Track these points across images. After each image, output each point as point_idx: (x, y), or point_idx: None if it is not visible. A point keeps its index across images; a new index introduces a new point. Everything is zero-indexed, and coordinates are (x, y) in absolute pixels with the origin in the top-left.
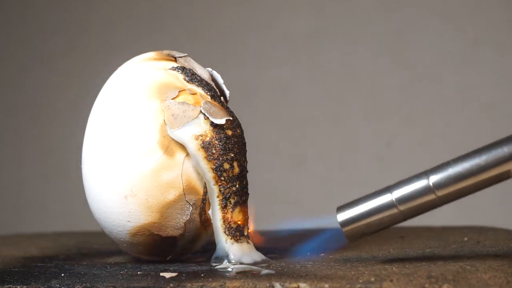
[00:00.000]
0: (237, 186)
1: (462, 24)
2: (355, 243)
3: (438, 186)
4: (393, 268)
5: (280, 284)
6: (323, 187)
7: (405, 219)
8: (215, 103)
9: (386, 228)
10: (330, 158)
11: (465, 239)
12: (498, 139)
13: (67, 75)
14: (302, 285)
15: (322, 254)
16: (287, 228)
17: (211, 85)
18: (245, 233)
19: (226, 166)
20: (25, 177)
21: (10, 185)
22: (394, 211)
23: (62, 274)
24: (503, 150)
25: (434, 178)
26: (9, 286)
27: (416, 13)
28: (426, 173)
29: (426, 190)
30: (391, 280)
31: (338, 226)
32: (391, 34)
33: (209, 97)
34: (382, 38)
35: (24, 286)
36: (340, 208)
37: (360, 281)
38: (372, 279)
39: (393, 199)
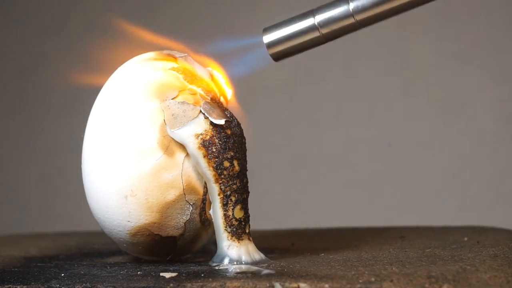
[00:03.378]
0: (237, 184)
1: (462, 24)
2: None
3: (357, 10)
4: (393, 268)
5: (280, 284)
6: (323, 187)
7: (326, 41)
8: (215, 103)
9: (309, 49)
10: (330, 158)
11: (465, 239)
12: None
13: (67, 74)
14: (302, 285)
15: (322, 254)
16: (214, 49)
17: (211, 85)
18: (247, 231)
19: (226, 164)
20: (25, 177)
21: (10, 185)
22: (316, 34)
23: (62, 274)
24: None
25: (354, 4)
26: (9, 286)
27: (416, 13)
28: None
29: (346, 14)
30: (391, 280)
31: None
32: (391, 34)
33: (209, 97)
34: (382, 38)
35: (24, 286)
36: (266, 30)
37: (360, 281)
38: (372, 279)
39: (316, 23)
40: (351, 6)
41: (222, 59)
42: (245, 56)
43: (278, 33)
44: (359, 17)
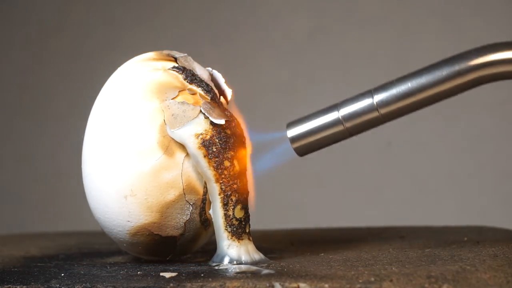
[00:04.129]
0: (238, 183)
1: (462, 24)
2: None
3: (381, 104)
4: (393, 268)
5: (280, 284)
6: (323, 187)
7: (351, 136)
8: (215, 103)
9: (333, 144)
10: (330, 158)
11: (465, 239)
12: (440, 60)
13: (67, 75)
14: (302, 285)
15: (322, 254)
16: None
17: (210, 85)
18: (247, 231)
19: (227, 164)
20: (25, 177)
21: (10, 185)
22: (340, 127)
23: (62, 274)
24: (442, 72)
25: (378, 97)
26: (9, 286)
27: (416, 13)
28: (370, 92)
29: (370, 108)
30: (391, 280)
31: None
32: (391, 34)
33: (208, 97)
34: (382, 38)
35: (24, 286)
36: (290, 124)
37: (360, 281)
38: (372, 279)
39: (340, 117)
40: (375, 100)
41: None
42: (270, 151)
43: (302, 127)
44: (384, 110)
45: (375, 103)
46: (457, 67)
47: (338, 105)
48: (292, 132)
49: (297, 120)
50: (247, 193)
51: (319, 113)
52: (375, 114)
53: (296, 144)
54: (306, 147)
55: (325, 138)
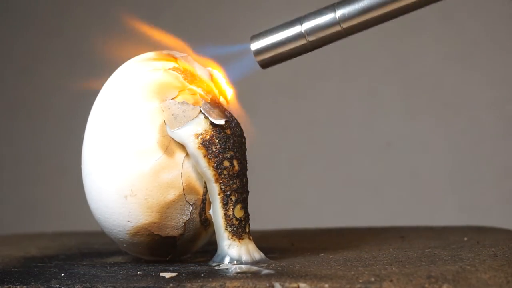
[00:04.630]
0: (237, 183)
1: (462, 24)
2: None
3: (344, 18)
4: (393, 268)
5: (280, 284)
6: (323, 187)
7: (313, 49)
8: (215, 103)
9: (295, 57)
10: (330, 158)
11: (465, 239)
12: None
13: (67, 75)
14: (302, 285)
15: (322, 254)
16: (203, 54)
17: (210, 85)
18: (247, 230)
19: (226, 164)
20: (25, 177)
21: (10, 185)
22: (303, 41)
23: (62, 274)
24: None
25: (340, 11)
26: (9, 286)
27: (416, 13)
28: (333, 5)
29: (333, 22)
30: (391, 280)
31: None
32: (391, 34)
33: (208, 97)
34: (382, 38)
35: (24, 286)
36: (254, 37)
37: (360, 281)
38: (372, 279)
39: (302, 30)
40: (338, 14)
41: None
42: (233, 62)
43: (265, 40)
44: (345, 25)
45: (337, 17)
46: None
47: (301, 19)
48: (256, 45)
49: (261, 33)
50: (247, 193)
51: (283, 26)
52: (337, 28)
53: (260, 57)
54: (269, 60)
55: (288, 52)
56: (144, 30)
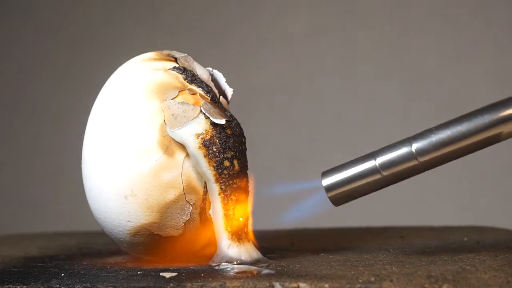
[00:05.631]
0: (237, 183)
1: (462, 24)
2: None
3: (421, 152)
4: (393, 268)
5: (280, 284)
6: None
7: (388, 185)
8: (215, 103)
9: (370, 193)
10: (330, 158)
11: (465, 239)
12: (480, 107)
13: (67, 75)
14: (302, 285)
15: (322, 254)
16: (272, 193)
17: (211, 85)
18: (246, 230)
19: (227, 163)
20: (25, 177)
21: (10, 185)
22: (377, 176)
23: (62, 274)
24: (484, 118)
25: (416, 145)
26: (9, 286)
27: (416, 13)
28: (409, 140)
29: (409, 156)
30: (391, 280)
31: (323, 191)
32: (391, 34)
33: (209, 97)
34: (382, 38)
35: (24, 286)
36: (325, 173)
37: (360, 281)
38: (372, 279)
39: (377, 165)
40: (414, 148)
41: (282, 203)
42: (304, 200)
43: (337, 176)
44: (423, 159)
45: (413, 151)
46: (498, 114)
47: (375, 154)
48: (327, 181)
49: (332, 168)
50: (247, 192)
51: (355, 161)
52: (414, 163)
53: (332, 193)
54: (342, 196)
55: (362, 187)
56: None
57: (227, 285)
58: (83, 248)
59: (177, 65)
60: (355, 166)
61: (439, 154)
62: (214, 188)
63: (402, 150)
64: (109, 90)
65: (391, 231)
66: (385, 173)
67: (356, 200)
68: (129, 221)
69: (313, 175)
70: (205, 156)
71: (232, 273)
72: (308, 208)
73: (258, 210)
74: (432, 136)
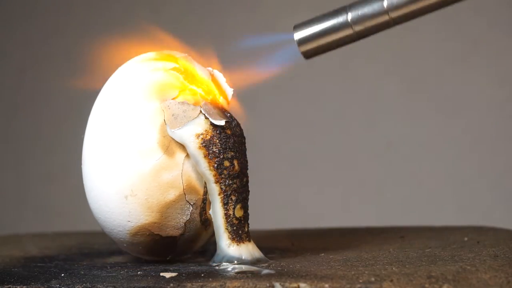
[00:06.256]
0: (237, 183)
1: (462, 24)
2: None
3: (392, 7)
4: (393, 268)
5: (280, 284)
6: (323, 187)
7: (359, 39)
8: (215, 103)
9: (340, 46)
10: (330, 158)
11: (465, 239)
12: None
13: (67, 75)
14: (302, 285)
15: (322, 254)
16: (244, 45)
17: (211, 86)
18: (246, 230)
19: (227, 164)
20: (25, 177)
21: (10, 185)
22: (349, 31)
23: (62, 274)
24: None
25: (388, 0)
26: (9, 286)
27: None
28: None
29: (380, 11)
30: (391, 280)
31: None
32: (391, 34)
33: (209, 97)
34: (382, 38)
35: (24, 286)
36: (297, 27)
37: (360, 281)
38: (372, 279)
39: (349, 19)
40: (386, 3)
41: (251, 56)
42: (275, 53)
43: (309, 30)
44: (394, 14)
45: (385, 6)
46: None
47: (347, 8)
48: (299, 34)
49: (304, 22)
50: (247, 192)
51: (327, 15)
52: (385, 18)
53: (303, 48)
54: (313, 50)
55: (333, 42)
56: (159, 35)
57: (227, 285)
58: (83, 248)
59: (177, 65)
60: (328, 20)
61: (410, 9)
62: (214, 188)
63: (375, 5)
64: (109, 90)
65: (391, 231)
66: (356, 28)
67: (356, 200)
68: (129, 221)
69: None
70: (205, 156)
71: (232, 273)
72: (278, 60)
73: (258, 210)
74: None
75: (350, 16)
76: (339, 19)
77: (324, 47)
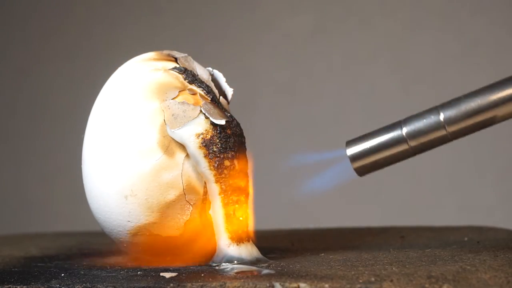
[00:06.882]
0: (238, 183)
1: (462, 24)
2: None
3: (449, 121)
4: (393, 268)
5: (280, 284)
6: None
7: (415, 154)
8: (215, 104)
9: (395, 163)
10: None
11: (465, 239)
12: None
13: (67, 75)
14: (302, 285)
15: (322, 254)
16: (296, 162)
17: (211, 85)
18: (246, 230)
19: (227, 163)
20: (25, 177)
21: (10, 185)
22: (404, 146)
23: (62, 274)
24: None
25: (445, 113)
26: (9, 286)
27: (416, 13)
28: (437, 108)
29: (437, 126)
30: (391, 280)
31: (347, 160)
32: (391, 34)
33: (209, 97)
34: (382, 38)
35: (24, 286)
36: (350, 142)
37: (360, 281)
38: (372, 279)
39: (404, 134)
40: (442, 117)
41: (305, 172)
42: (328, 170)
43: (362, 145)
44: (452, 128)
45: (442, 120)
46: None
47: (401, 122)
48: (352, 150)
49: (357, 138)
50: (247, 192)
51: (381, 130)
52: (442, 133)
53: (356, 164)
54: (367, 166)
55: (388, 158)
56: None
57: (227, 285)
58: (83, 248)
59: (177, 65)
60: (381, 135)
61: (468, 123)
62: (214, 188)
63: (430, 119)
64: (109, 90)
65: (391, 231)
66: (412, 143)
67: (356, 200)
68: (129, 221)
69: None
70: (205, 156)
71: (232, 273)
72: (331, 178)
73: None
74: (461, 104)
75: (405, 130)
76: (394, 134)
77: (378, 163)
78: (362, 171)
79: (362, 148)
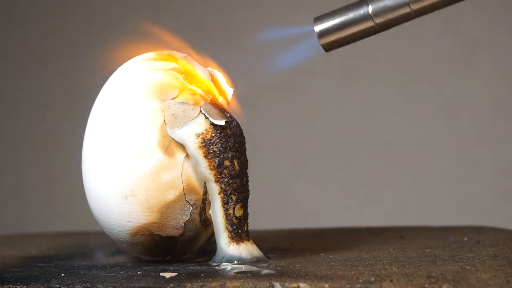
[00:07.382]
0: (237, 183)
1: (462, 24)
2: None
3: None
4: (393, 268)
5: (280, 284)
6: (323, 187)
7: (380, 31)
8: (215, 104)
9: (361, 39)
10: (330, 158)
11: (465, 239)
12: None
13: (67, 75)
14: (302, 285)
15: (322, 254)
16: (265, 36)
17: (211, 86)
18: (246, 229)
19: (227, 163)
20: (25, 177)
21: (10, 185)
22: (370, 23)
23: (62, 274)
24: None
25: None
26: (9, 286)
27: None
28: None
29: (403, 3)
30: (391, 280)
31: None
32: (391, 34)
33: (209, 98)
34: (382, 38)
35: (24, 286)
36: (318, 19)
37: (360, 281)
38: (372, 279)
39: (370, 12)
40: None
41: (270, 48)
42: (294, 46)
43: (330, 22)
44: (416, 6)
45: None
46: None
47: (368, 0)
48: (320, 27)
49: (325, 14)
50: (247, 192)
51: (348, 7)
52: (406, 10)
53: (324, 40)
54: (334, 43)
55: (354, 34)
56: (161, 35)
57: (227, 285)
58: (83, 248)
59: (177, 65)
60: (348, 12)
61: (432, 1)
62: (214, 188)
63: None
64: (109, 90)
65: (391, 231)
66: (377, 20)
67: (356, 200)
68: (129, 221)
69: (313, 175)
70: (205, 156)
71: (232, 273)
72: (298, 53)
73: (258, 210)
74: None
75: (371, 8)
76: (360, 11)
77: (345, 39)
78: (329, 47)
79: (329, 24)
